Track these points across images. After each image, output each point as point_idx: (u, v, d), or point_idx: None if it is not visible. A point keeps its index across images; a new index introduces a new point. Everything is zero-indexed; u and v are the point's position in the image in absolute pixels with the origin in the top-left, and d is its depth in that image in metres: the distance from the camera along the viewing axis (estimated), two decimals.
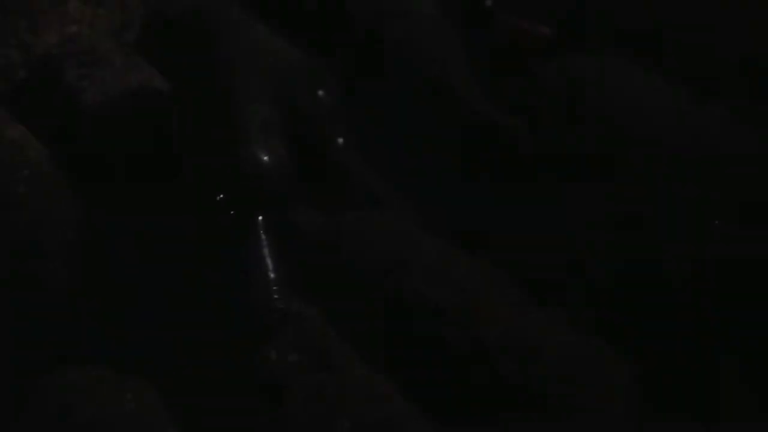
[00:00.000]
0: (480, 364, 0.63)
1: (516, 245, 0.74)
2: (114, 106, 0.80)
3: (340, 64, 0.87)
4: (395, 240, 0.72)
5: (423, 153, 0.83)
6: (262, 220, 0.68)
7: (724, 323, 0.67)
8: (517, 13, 0.91)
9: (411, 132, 0.84)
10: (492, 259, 0.71)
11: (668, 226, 0.71)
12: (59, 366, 0.66)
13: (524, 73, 0.86)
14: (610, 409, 0.62)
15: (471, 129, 0.81)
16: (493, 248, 0.73)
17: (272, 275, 0.65)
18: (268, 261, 0.66)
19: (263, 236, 0.67)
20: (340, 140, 0.82)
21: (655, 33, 0.88)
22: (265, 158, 0.70)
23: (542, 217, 0.76)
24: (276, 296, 0.65)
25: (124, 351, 0.69)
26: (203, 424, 0.63)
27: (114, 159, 0.78)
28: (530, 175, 0.78)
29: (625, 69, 0.84)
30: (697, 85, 0.80)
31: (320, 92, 0.84)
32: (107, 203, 0.75)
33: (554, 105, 0.82)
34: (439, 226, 0.75)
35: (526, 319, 0.66)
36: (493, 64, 0.89)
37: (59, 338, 0.70)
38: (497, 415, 0.62)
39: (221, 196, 0.69)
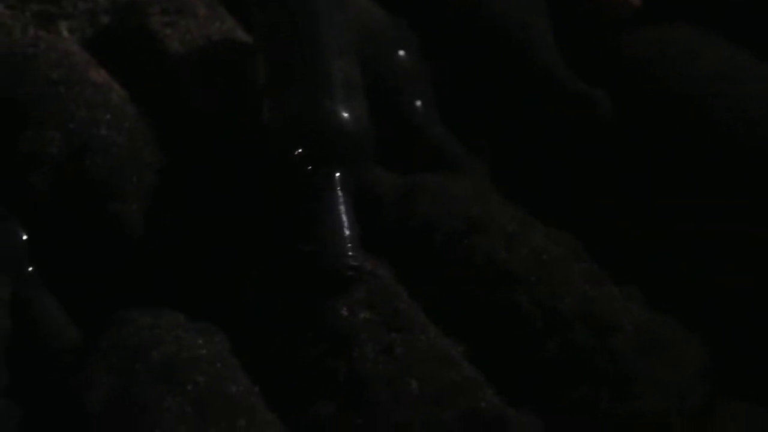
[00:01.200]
0: (553, 334, 0.63)
1: (594, 217, 0.73)
2: (196, 56, 0.80)
3: (422, 25, 0.86)
4: (471, 204, 0.71)
5: (502, 119, 0.82)
6: (340, 176, 0.67)
7: None
8: None
9: (491, 97, 0.83)
10: (569, 230, 0.71)
11: (757, 200, 0.69)
12: (133, 308, 0.67)
13: (610, 42, 0.84)
14: (684, 388, 0.61)
15: (552, 96, 0.80)
16: (571, 219, 0.72)
17: (347, 232, 0.65)
18: (344, 218, 0.65)
19: (340, 193, 0.66)
20: (419, 102, 0.82)
21: (744, 6, 0.85)
22: (346, 115, 0.69)
23: (622, 189, 0.75)
24: (350, 253, 0.64)
25: (196, 298, 0.70)
26: (272, 374, 0.63)
27: (194, 107, 0.79)
28: (611, 145, 0.77)
29: (712, 42, 0.82)
30: None
31: (401, 52, 0.83)
32: (186, 151, 0.76)
33: (639, 76, 0.81)
34: (517, 194, 0.74)
35: (602, 293, 0.65)
36: (578, 31, 0.87)
37: (134, 281, 0.71)
38: (569, 386, 0.61)
39: (299, 150, 0.68)
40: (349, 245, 0.65)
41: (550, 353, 0.63)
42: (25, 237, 0.73)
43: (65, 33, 0.88)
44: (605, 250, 0.69)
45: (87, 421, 0.60)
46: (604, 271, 0.68)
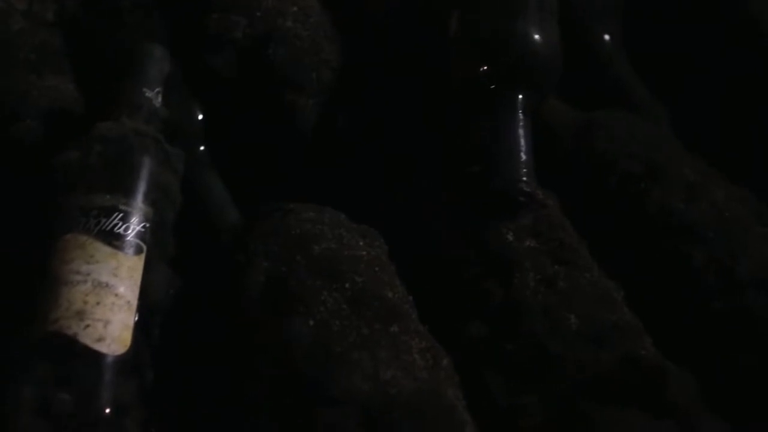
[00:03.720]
0: (724, 295, 0.60)
1: None
2: None
3: None
4: (652, 148, 0.68)
5: (696, 66, 0.78)
6: (522, 99, 0.65)
7: None
8: None
9: (686, 41, 0.78)
10: (756, 191, 0.67)
11: None
12: (297, 200, 0.68)
13: None
14: None
15: (755, 50, 0.75)
16: (756, 180, 0.68)
17: (524, 157, 0.63)
18: (522, 142, 0.64)
19: (521, 116, 0.65)
20: (608, 36, 0.78)
21: None
22: (537, 38, 0.66)
23: None
24: (524, 179, 0.63)
25: (358, 201, 0.70)
26: (428, 286, 0.63)
27: (376, 11, 0.78)
28: None
29: None
30: None
31: None
32: (366, 54, 0.75)
33: None
34: (700, 146, 0.70)
35: None
36: None
37: (300, 174, 0.72)
38: (733, 351, 0.59)
39: (485, 67, 0.66)
40: (524, 170, 0.63)
41: (718, 314, 0.60)
42: (201, 116, 0.74)
43: None
44: None
45: (243, 300, 0.61)
46: None
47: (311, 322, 0.58)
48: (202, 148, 0.73)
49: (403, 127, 0.72)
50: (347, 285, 0.60)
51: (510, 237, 0.62)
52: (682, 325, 0.61)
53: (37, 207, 0.64)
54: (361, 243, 0.64)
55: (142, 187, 0.64)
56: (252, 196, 0.71)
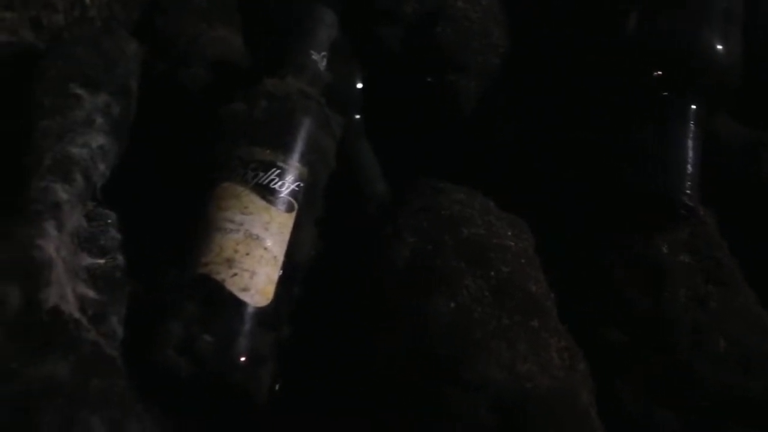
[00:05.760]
0: None
1: None
2: None
3: None
4: None
5: None
6: (696, 110, 0.63)
7: None
8: None
9: None
10: None
11: None
12: (449, 183, 0.67)
13: None
14: None
15: None
16: None
17: (690, 169, 0.61)
18: (690, 153, 0.62)
19: (692, 126, 0.63)
20: None
21: None
22: (720, 48, 0.64)
23: None
24: (688, 191, 0.61)
25: (504, 190, 0.69)
26: (570, 285, 0.62)
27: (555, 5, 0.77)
28: None
29: None
30: None
31: None
32: (533, 44, 0.74)
33: None
34: None
35: None
36: None
37: (451, 155, 0.72)
38: None
39: (660, 72, 0.64)
40: (689, 183, 0.61)
41: None
42: (360, 85, 0.75)
43: None
44: None
45: (386, 272, 0.61)
46: None
47: (452, 304, 0.58)
48: (357, 116, 0.74)
49: (560, 125, 0.71)
50: (492, 273, 0.59)
51: (665, 249, 0.61)
52: None
53: (197, 152, 0.66)
54: (509, 233, 0.63)
55: (300, 147, 0.65)
56: (401, 171, 0.72)
